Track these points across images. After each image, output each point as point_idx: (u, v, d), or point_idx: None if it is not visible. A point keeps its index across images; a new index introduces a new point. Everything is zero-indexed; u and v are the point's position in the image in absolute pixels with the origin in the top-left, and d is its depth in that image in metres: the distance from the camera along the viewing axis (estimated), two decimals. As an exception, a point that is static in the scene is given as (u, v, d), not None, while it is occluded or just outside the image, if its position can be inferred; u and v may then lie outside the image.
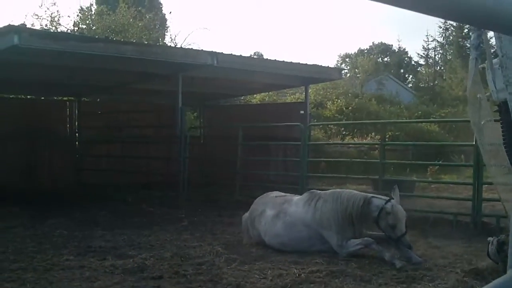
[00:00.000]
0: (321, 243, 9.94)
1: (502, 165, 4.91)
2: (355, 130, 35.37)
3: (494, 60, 4.90)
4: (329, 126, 34.77)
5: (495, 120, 5.37)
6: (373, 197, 9.75)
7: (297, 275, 8.19)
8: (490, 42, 5.28)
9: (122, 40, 28.37)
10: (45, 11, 45.19)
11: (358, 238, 9.60)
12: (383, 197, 9.80)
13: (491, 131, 5.27)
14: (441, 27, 72.05)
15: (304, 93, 22.62)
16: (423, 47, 75.51)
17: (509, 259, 2.46)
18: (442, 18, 2.02)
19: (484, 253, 8.43)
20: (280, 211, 10.49)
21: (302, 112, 20.92)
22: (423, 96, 56.67)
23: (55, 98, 25.61)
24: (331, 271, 8.37)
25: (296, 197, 10.86)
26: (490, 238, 8.17)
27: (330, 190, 10.65)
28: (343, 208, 9.73)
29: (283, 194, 11.38)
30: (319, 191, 10.70)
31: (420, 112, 43.28)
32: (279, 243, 10.23)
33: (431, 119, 37.05)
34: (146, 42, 31.52)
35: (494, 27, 2.30)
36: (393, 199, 9.49)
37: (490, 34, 5.74)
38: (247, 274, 8.34)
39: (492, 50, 5.26)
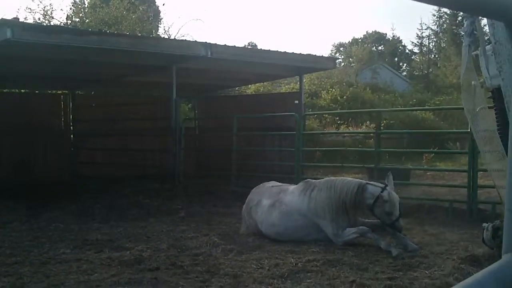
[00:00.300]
0: (317, 232, 9.96)
1: (496, 151, 4.93)
2: (350, 119, 35.39)
3: (487, 47, 4.90)
4: (324, 115, 34.81)
5: (489, 107, 5.38)
6: (367, 183, 9.77)
7: (293, 264, 8.20)
8: (484, 30, 5.28)
9: (115, 32, 28.30)
10: (38, 4, 45.26)
11: (353, 227, 9.63)
12: (377, 184, 9.81)
13: (485, 118, 5.28)
14: (435, 15, 72.20)
15: (298, 83, 22.60)
16: (417, 35, 75.69)
17: (503, 245, 2.47)
18: (436, 5, 2.02)
19: (480, 239, 8.47)
20: (276, 200, 10.51)
21: (296, 102, 20.91)
22: (417, 84, 56.74)
23: (49, 91, 25.57)
24: (327, 260, 8.39)
25: (292, 187, 10.88)
26: (485, 224, 8.20)
27: (324, 179, 10.65)
28: (336, 196, 9.73)
29: (279, 184, 11.39)
30: (314, 181, 10.71)
31: (414, 100, 43.34)
32: (275, 233, 10.24)
33: (426, 107, 37.06)
34: (139, 34, 31.45)
35: (486, 13, 2.29)
36: (387, 186, 9.51)
37: (484, 21, 5.74)
38: (244, 264, 8.35)
39: (486, 38, 5.27)
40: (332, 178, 10.69)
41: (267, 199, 10.67)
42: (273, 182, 11.59)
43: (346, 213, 9.70)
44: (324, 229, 9.83)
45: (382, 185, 9.57)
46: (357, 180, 10.13)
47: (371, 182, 9.95)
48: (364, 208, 9.69)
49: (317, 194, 10.07)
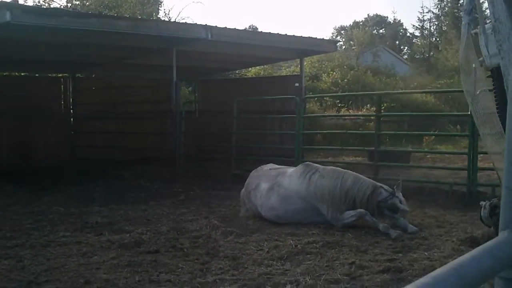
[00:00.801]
0: (316, 215, 9.96)
1: (495, 132, 4.91)
2: (351, 102, 35.36)
3: (487, 25, 4.87)
4: (325, 98, 34.74)
5: (489, 90, 5.36)
6: (381, 187, 9.74)
7: (293, 246, 8.22)
8: (484, 8, 5.25)
9: (115, 15, 28.23)
10: (38, -13, 44.92)
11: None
12: (386, 187, 9.80)
13: (485, 99, 5.26)
14: (436, -2, 71.90)
15: (299, 66, 22.54)
16: (419, 19, 75.74)
17: (500, 222, 2.46)
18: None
19: (480, 221, 8.47)
20: (274, 183, 10.50)
21: (297, 84, 20.86)
22: (418, 67, 56.64)
23: (49, 75, 25.54)
24: (327, 242, 8.41)
25: (291, 169, 10.84)
26: (482, 202, 8.18)
27: (329, 167, 10.59)
28: (343, 189, 9.70)
29: (277, 166, 11.38)
30: (315, 164, 10.69)
31: (415, 84, 43.23)
32: (275, 216, 10.24)
33: (427, 90, 37.00)
34: (139, 17, 31.37)
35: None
36: (395, 191, 9.56)
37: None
38: (244, 247, 8.37)
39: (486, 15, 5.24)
40: (340, 169, 10.58)
41: (265, 182, 10.66)
42: (271, 164, 11.58)
43: (350, 205, 9.70)
44: (323, 212, 9.84)
45: (390, 189, 9.61)
46: (369, 180, 10.05)
47: (383, 186, 9.88)
48: (372, 207, 9.64)
49: (318, 179, 10.05)
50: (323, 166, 10.59)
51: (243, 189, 11.35)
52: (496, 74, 5.11)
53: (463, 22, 4.85)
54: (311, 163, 10.79)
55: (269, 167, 11.28)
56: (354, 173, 10.26)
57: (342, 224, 9.51)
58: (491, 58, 5.01)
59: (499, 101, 5.15)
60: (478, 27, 5.03)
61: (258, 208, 10.57)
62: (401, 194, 9.70)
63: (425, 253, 7.71)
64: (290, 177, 10.44)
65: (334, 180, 9.86)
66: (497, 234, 2.45)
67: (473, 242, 7.94)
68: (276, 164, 11.81)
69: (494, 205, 7.56)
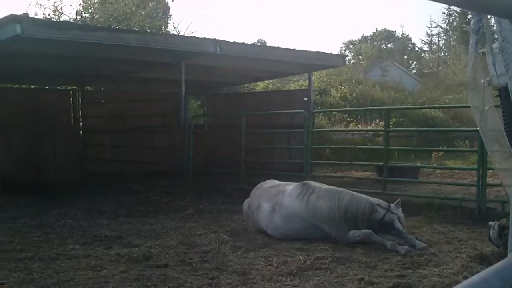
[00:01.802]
0: (321, 232, 9.92)
1: (504, 151, 4.92)
2: (359, 116, 35.37)
3: (494, 45, 4.88)
4: (333, 113, 34.78)
5: (495, 106, 5.36)
6: (378, 204, 9.66)
7: (302, 261, 8.21)
8: (492, 28, 5.27)
9: (125, 28, 28.34)
10: (48, 0, 45.17)
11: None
12: (383, 202, 9.71)
13: (494, 116, 5.26)
14: (444, 13, 72.14)
15: (307, 80, 22.57)
16: (427, 33, 75.74)
17: (509, 243, 2.47)
18: (444, 3, 2.02)
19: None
20: (275, 203, 10.38)
21: (305, 99, 20.89)
22: (427, 82, 56.58)
23: (59, 87, 25.62)
24: (336, 258, 8.39)
25: (290, 187, 10.69)
26: (491, 223, 8.17)
27: (325, 187, 10.49)
28: (341, 209, 9.63)
29: (277, 183, 11.23)
30: (312, 183, 10.59)
31: (424, 98, 43.22)
32: (281, 234, 10.19)
33: (435, 105, 36.94)
34: (149, 31, 31.48)
35: (493, 11, 2.30)
36: (390, 206, 9.53)
37: (491, 18, 5.72)
38: (253, 261, 8.36)
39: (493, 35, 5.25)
40: (335, 189, 10.46)
41: (266, 202, 10.57)
42: (271, 181, 11.48)
43: (351, 224, 9.65)
44: (326, 230, 9.81)
45: (386, 205, 9.58)
46: (366, 197, 9.99)
47: (380, 203, 9.79)
48: (374, 225, 9.58)
49: (315, 200, 9.96)
50: (319, 185, 10.46)
51: (245, 204, 11.31)
52: (503, 93, 5.12)
53: (470, 42, 4.86)
54: (308, 182, 10.66)
55: (268, 185, 11.18)
56: (349, 191, 10.16)
57: (348, 243, 9.47)
58: (498, 78, 5.01)
59: (507, 120, 5.16)
60: (486, 46, 5.04)
61: (264, 227, 10.54)
62: (400, 210, 9.65)
63: (435, 270, 7.68)
64: (289, 196, 10.32)
65: (331, 200, 9.76)
66: (506, 255, 2.46)
67: (483, 259, 7.92)
68: (284, 178, 11.79)
69: (503, 225, 7.56)
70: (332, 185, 10.58)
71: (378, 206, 9.54)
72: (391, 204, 9.59)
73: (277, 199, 10.50)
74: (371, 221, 9.48)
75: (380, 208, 9.51)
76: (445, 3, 2.29)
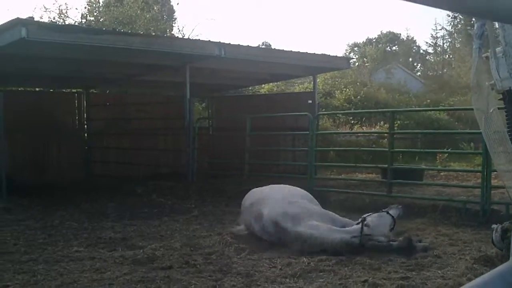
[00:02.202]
0: None
1: (508, 152, 4.91)
2: (364, 119, 35.37)
3: (498, 49, 4.89)
4: (338, 115, 34.74)
5: (499, 108, 5.36)
6: (353, 237, 9.05)
7: (306, 263, 8.21)
8: (496, 32, 5.27)
9: (129, 31, 28.40)
10: (53, 3, 45.33)
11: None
12: (355, 230, 9.15)
13: (498, 118, 5.25)
14: (449, 16, 72.16)
15: (312, 82, 22.57)
16: (432, 36, 75.68)
17: None
18: (446, 10, 2.02)
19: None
20: (262, 226, 9.92)
21: (310, 101, 20.87)
22: (431, 84, 56.53)
23: (64, 90, 25.66)
24: (340, 260, 8.39)
25: (265, 210, 10.03)
26: (494, 226, 8.16)
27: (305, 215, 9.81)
28: (317, 244, 9.09)
29: (256, 197, 10.78)
30: (291, 211, 9.84)
31: (428, 101, 43.17)
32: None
33: (440, 107, 36.90)
34: (153, 34, 31.53)
35: (496, 17, 2.30)
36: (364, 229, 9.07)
37: (495, 23, 5.73)
38: (257, 264, 8.37)
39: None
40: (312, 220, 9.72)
41: (255, 222, 10.15)
42: (252, 193, 11.19)
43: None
44: None
45: (358, 232, 9.06)
46: (339, 233, 9.25)
47: (353, 232, 9.19)
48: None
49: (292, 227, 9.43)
50: (297, 213, 9.77)
51: (242, 221, 11.12)
52: (507, 97, 5.12)
53: (473, 46, 4.86)
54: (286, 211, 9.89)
55: (248, 203, 10.82)
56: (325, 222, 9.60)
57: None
58: (502, 82, 5.02)
59: (510, 123, 5.16)
60: (489, 50, 5.05)
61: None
62: (396, 212, 9.56)
63: (439, 272, 7.68)
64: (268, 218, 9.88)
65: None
66: (509, 258, 2.46)
67: (487, 261, 7.91)
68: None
69: (505, 228, 7.56)
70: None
71: (353, 238, 9.00)
72: (366, 220, 9.22)
73: (263, 219, 9.99)
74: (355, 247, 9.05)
75: (354, 238, 8.99)
76: (450, 11, 2.29)
